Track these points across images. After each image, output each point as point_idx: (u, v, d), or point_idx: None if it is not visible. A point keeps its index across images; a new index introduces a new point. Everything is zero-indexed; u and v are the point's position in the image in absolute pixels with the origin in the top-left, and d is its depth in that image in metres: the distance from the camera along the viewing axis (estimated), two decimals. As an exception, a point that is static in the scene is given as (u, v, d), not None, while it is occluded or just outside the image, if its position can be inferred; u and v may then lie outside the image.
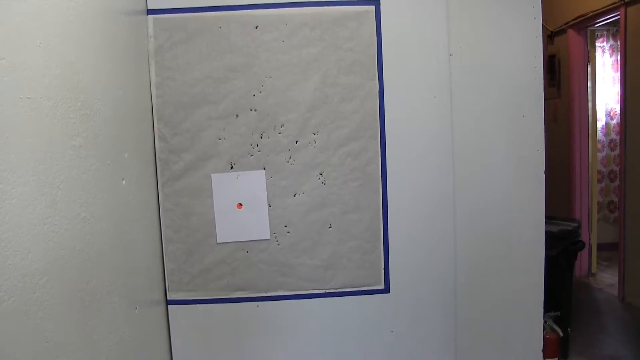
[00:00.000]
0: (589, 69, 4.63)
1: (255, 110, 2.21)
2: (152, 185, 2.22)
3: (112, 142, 1.75)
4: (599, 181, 5.42)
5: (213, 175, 2.23)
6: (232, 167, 2.24)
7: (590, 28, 4.58)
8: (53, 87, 1.33)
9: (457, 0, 2.27)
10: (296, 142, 2.23)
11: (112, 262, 1.69)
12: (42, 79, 1.27)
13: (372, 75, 2.24)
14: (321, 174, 2.25)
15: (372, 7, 2.21)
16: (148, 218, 2.14)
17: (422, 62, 2.27)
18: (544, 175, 2.41)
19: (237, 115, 2.21)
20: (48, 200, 1.27)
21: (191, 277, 2.29)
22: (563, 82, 4.85)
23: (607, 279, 4.93)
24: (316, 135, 2.23)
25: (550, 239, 2.45)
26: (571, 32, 4.54)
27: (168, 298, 2.30)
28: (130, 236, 1.89)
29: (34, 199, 1.20)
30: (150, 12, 2.19)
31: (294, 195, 2.25)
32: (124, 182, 1.84)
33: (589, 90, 4.64)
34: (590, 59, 4.62)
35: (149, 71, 2.20)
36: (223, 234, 2.26)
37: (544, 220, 2.44)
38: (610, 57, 5.40)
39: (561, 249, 2.78)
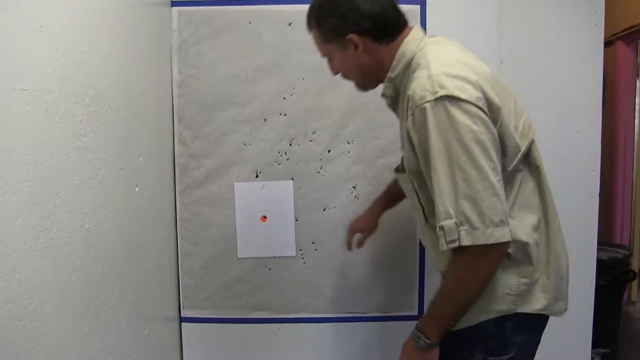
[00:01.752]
0: (638, 83, 4.35)
1: (285, 115, 2.02)
2: (170, 193, 2.04)
3: (126, 144, 1.57)
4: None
5: (236, 184, 2.04)
6: (257, 176, 2.05)
7: (641, 40, 4.31)
8: (57, 78, 1.15)
9: (509, 3, 2.07)
10: (328, 151, 2.03)
11: (119, 278, 1.51)
12: (43, 69, 1.09)
13: (414, 81, 2.04)
14: (354, 188, 2.05)
15: (417, 7, 2.01)
16: (163, 228, 1.96)
17: (469, 68, 2.07)
18: (598, 199, 2.19)
19: (264, 120, 2.02)
20: (44, 210, 1.09)
21: (208, 293, 2.10)
22: (608, 97, 4.58)
23: (648, 308, 4.62)
24: (350, 144, 2.03)
25: (599, 267, 2.21)
26: (620, 44, 4.25)
27: (182, 315, 2.11)
28: (142, 249, 1.70)
29: (25, 209, 1.02)
30: (175, 3, 2.02)
31: (324, 210, 2.06)
32: (137, 189, 1.65)
33: (637, 106, 4.37)
34: (639, 73, 4.35)
35: (171, 68, 2.03)
36: (244, 248, 2.07)
37: (596, 246, 2.22)
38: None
39: (610, 279, 2.54)
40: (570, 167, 2.13)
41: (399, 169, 1.50)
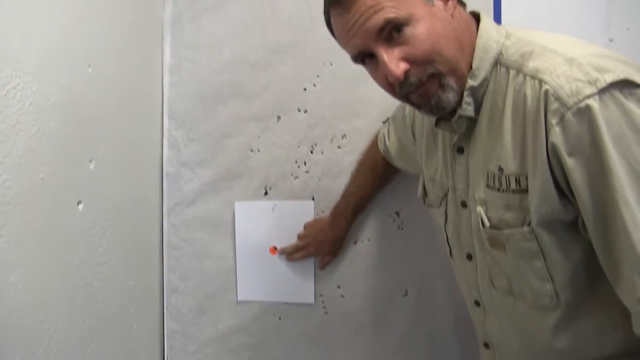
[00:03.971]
0: None
1: (306, 112, 1.50)
2: (155, 211, 1.56)
3: (57, 143, 1.09)
4: None
5: (237, 204, 1.54)
6: (266, 193, 1.54)
7: None
8: None
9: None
10: (363, 162, 1.50)
11: (37, 333, 1.03)
12: None
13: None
14: (397, 214, 1.49)
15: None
16: (135, 256, 1.47)
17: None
18: None
19: (278, 118, 1.51)
20: None
21: (199, 344, 1.59)
22: None
23: None
24: (393, 154, 1.49)
25: None
26: None
27: (166, 371, 1.62)
28: (90, 288, 1.22)
29: None
30: (170, -33, 1.56)
31: (355, 243, 1.51)
32: (80, 206, 1.17)
33: None
34: None
35: (162, 49, 1.56)
36: (247, 289, 1.56)
37: None
38: None
39: None
40: None
41: (496, 224, 0.93)
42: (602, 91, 0.76)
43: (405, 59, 0.86)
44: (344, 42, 0.94)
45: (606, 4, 1.43)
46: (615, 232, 0.78)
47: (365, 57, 0.92)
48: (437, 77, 0.88)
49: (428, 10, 0.87)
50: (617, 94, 0.76)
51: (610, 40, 1.43)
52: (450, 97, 0.90)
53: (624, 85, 0.77)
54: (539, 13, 1.46)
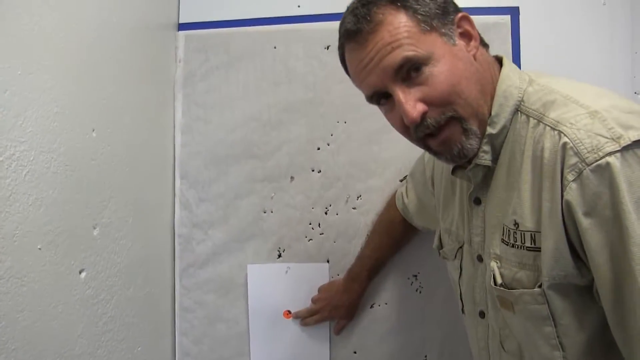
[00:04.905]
0: None
1: (320, 172, 1.47)
2: (166, 273, 1.52)
3: (56, 212, 1.07)
4: None
5: (250, 266, 1.49)
6: (279, 256, 1.49)
7: None
8: None
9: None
10: (379, 223, 1.45)
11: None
12: None
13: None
14: (415, 277, 1.44)
15: (507, 18, 1.41)
16: (153, 321, 1.43)
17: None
18: None
19: (292, 178, 1.48)
20: None
21: (212, 413, 1.54)
22: None
23: None
24: (411, 214, 1.44)
25: None
26: None
27: None
28: (94, 357, 1.18)
29: None
30: (182, 26, 1.55)
31: (371, 306, 1.46)
32: (82, 275, 1.14)
33: None
34: None
35: (174, 108, 1.54)
36: (261, 354, 1.50)
37: None
38: None
39: None
40: None
41: (508, 283, 0.88)
42: (625, 149, 0.71)
43: (423, 100, 0.82)
44: (358, 80, 0.90)
45: (631, 56, 1.38)
46: (631, 305, 0.72)
47: (380, 97, 0.88)
48: (457, 120, 0.84)
49: (449, 50, 0.84)
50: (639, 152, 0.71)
51: (636, 93, 1.38)
52: (473, 143, 0.86)
53: None
54: (561, 65, 1.41)
